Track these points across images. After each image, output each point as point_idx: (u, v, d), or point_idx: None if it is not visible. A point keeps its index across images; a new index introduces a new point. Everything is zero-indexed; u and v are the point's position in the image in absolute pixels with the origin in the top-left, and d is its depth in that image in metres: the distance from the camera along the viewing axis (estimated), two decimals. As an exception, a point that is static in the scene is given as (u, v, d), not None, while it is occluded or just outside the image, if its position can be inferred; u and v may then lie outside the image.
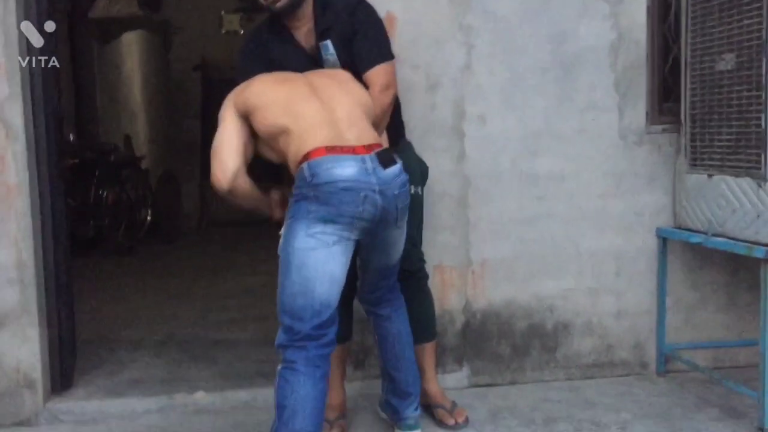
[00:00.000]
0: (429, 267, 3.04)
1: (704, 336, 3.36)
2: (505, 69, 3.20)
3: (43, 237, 3.06)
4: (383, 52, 2.65)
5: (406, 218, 2.48)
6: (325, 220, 2.23)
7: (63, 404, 3.08)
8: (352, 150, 2.29)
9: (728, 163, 2.94)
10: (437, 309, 3.05)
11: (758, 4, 2.74)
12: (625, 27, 3.24)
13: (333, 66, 2.65)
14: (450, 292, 3.22)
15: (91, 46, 7.78)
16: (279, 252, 2.30)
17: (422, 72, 3.14)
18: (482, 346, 3.28)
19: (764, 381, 2.71)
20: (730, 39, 2.89)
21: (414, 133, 3.09)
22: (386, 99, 2.61)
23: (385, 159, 2.34)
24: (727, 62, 2.92)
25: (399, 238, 2.51)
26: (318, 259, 2.23)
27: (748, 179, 2.82)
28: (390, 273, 2.62)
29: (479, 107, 3.19)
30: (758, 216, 2.77)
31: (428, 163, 2.96)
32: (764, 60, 2.70)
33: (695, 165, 3.13)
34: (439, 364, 3.20)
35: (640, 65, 3.27)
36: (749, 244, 2.80)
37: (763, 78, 2.71)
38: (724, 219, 2.94)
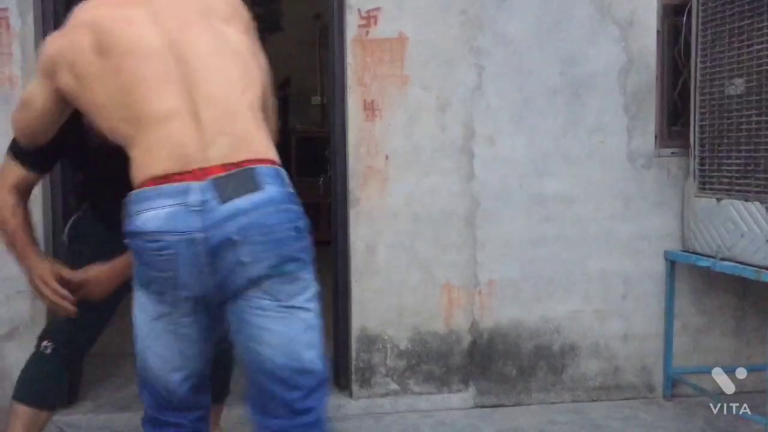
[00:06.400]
0: (437, 285, 3.06)
1: (711, 360, 3.34)
2: (515, 91, 3.22)
3: (55, 249, 3.08)
4: None
5: (281, 285, 1.54)
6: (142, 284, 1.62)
7: (70, 417, 3.09)
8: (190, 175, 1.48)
9: (737, 188, 2.95)
10: (443, 328, 3.06)
11: None
12: (635, 51, 3.26)
13: None
14: (457, 312, 3.22)
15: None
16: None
17: (432, 92, 3.16)
18: (488, 366, 3.28)
19: (772, 406, 2.70)
20: (740, 64, 2.90)
21: (423, 152, 3.13)
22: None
23: (230, 185, 1.48)
24: (736, 87, 2.93)
25: (270, 322, 1.56)
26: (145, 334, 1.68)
27: (756, 204, 2.83)
28: (287, 382, 1.66)
29: (488, 128, 3.21)
30: (767, 240, 2.78)
31: (437, 183, 2.97)
32: (773, 85, 2.73)
33: (704, 189, 3.13)
34: (445, 384, 3.20)
35: (649, 89, 3.29)
36: (757, 269, 2.80)
37: (772, 103, 2.73)
38: (733, 243, 2.95)
